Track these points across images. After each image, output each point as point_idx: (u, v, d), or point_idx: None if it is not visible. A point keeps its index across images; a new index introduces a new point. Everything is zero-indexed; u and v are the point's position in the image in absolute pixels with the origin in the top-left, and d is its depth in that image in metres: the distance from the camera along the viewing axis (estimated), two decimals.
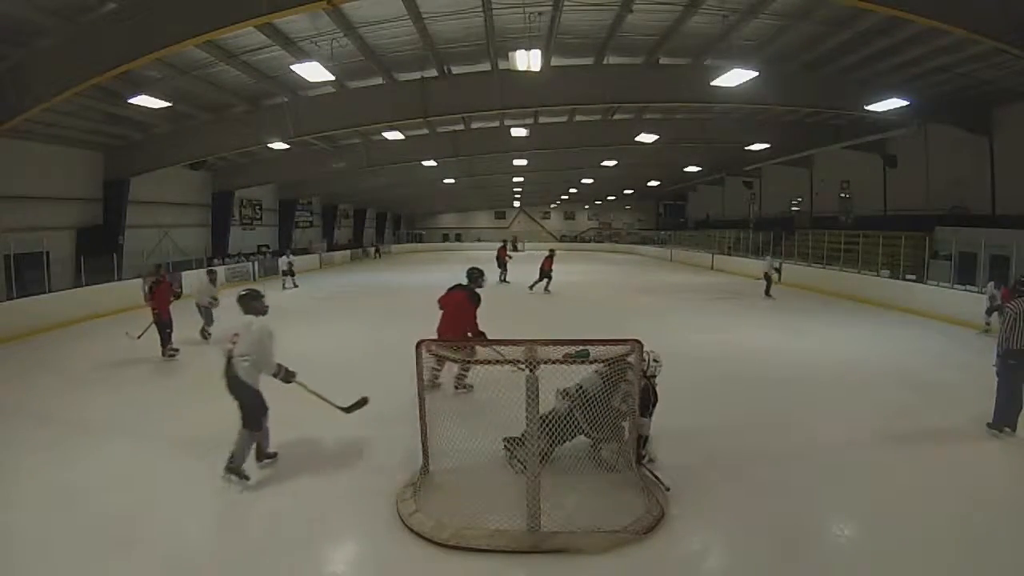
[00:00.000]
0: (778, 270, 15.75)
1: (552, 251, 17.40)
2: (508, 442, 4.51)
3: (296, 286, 18.06)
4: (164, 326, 8.56)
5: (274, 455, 4.75)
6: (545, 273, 16.15)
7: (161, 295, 8.62)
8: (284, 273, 18.52)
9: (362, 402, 5.06)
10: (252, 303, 4.63)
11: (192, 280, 15.76)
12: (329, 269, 27.08)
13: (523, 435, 3.91)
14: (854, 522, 3.82)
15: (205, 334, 9.71)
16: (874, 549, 3.46)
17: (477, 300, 6.49)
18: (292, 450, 5.00)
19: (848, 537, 3.70)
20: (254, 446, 4.52)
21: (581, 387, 4.31)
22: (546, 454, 4.01)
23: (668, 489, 4.08)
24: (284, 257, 19.32)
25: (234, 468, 4.28)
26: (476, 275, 6.63)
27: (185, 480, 4.42)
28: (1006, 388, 5.04)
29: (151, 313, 8.70)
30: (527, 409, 3.56)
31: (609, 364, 4.14)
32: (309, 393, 4.76)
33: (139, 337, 8.94)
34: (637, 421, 4.15)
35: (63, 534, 3.64)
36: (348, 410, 5.00)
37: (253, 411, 4.44)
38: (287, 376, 4.65)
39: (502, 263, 19.15)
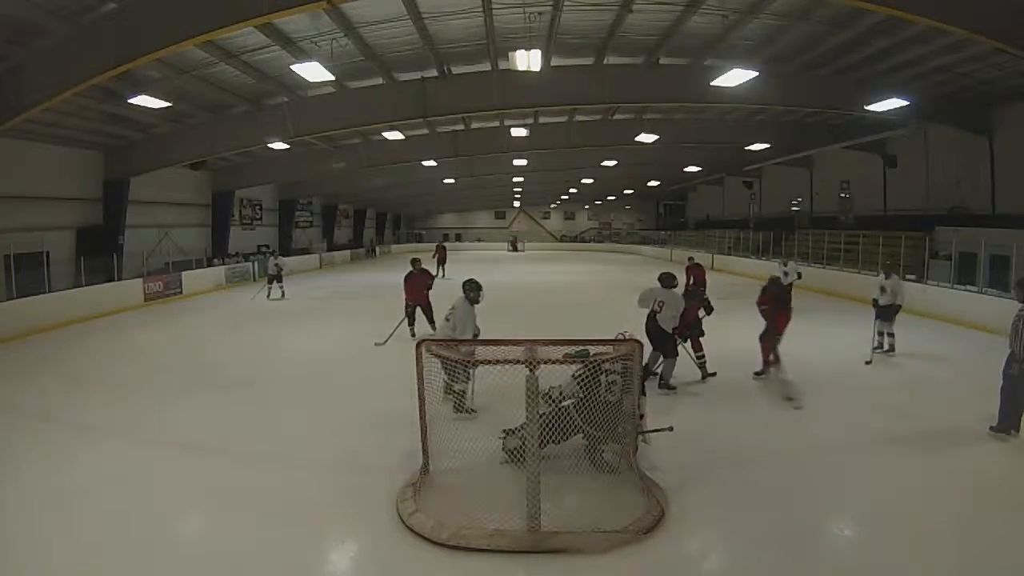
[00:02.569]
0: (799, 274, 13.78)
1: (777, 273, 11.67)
2: (505, 433, 4.53)
3: (283, 296, 15.54)
4: (425, 310, 9.50)
5: (673, 387, 6.58)
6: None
7: (412, 287, 9.53)
8: (271, 279, 15.70)
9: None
10: (672, 282, 6.75)
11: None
12: (329, 269, 27.10)
13: (519, 427, 4.11)
14: (854, 522, 3.82)
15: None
16: (874, 549, 3.45)
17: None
18: (292, 450, 5.01)
19: (848, 537, 3.71)
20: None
21: (561, 390, 4.33)
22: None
23: (671, 429, 4.38)
24: (271, 259, 16.44)
25: (664, 384, 6.55)
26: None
27: (182, 480, 4.42)
28: (1015, 391, 4.94)
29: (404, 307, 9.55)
30: (527, 409, 3.57)
31: (585, 365, 4.13)
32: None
33: (384, 343, 9.09)
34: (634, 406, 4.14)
35: (59, 534, 3.64)
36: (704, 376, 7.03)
37: (672, 348, 6.58)
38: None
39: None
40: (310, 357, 8.76)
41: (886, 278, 8.63)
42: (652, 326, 6.54)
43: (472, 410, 5.63)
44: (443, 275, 19.33)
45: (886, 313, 8.59)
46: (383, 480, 4.22)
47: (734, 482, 4.30)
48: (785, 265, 13.98)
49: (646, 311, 6.65)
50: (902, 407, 6.05)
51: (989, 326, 9.84)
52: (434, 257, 21.45)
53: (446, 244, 25.05)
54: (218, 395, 6.70)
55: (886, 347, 8.67)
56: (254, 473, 4.54)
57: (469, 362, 4.71)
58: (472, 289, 5.98)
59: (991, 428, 5.09)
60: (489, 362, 3.96)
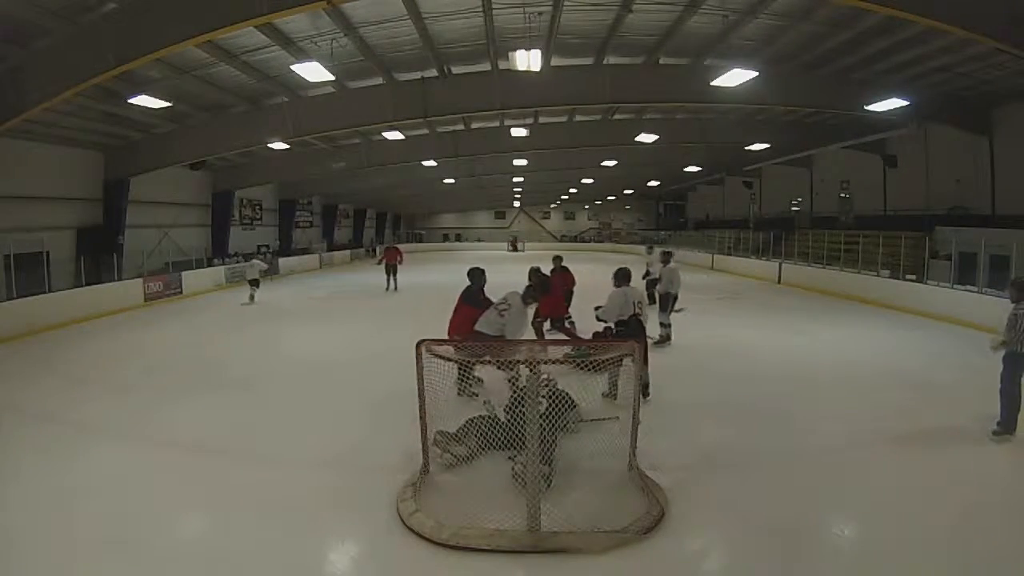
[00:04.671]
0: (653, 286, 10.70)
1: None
2: (441, 435, 4.53)
3: (252, 300, 14.57)
4: None
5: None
6: None
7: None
8: (253, 282, 14.89)
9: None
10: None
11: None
12: (329, 269, 27.09)
13: (456, 432, 4.48)
14: (854, 522, 3.82)
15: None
16: (874, 549, 3.46)
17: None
18: (292, 450, 5.01)
19: (848, 537, 3.70)
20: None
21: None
22: (474, 455, 4.27)
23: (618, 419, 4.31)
24: (257, 260, 15.66)
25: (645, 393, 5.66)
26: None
27: (182, 481, 4.42)
28: (1014, 392, 4.89)
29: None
30: (527, 409, 3.57)
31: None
32: None
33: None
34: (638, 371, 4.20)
35: (59, 534, 3.64)
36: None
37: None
38: None
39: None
40: (310, 357, 8.76)
41: (664, 265, 8.66)
42: (636, 328, 5.87)
43: (474, 393, 5.72)
44: (394, 287, 17.02)
45: (662, 302, 8.71)
46: (383, 480, 4.22)
47: (734, 482, 4.30)
48: (650, 252, 12.04)
49: (623, 317, 5.94)
50: (902, 407, 6.05)
51: (989, 326, 9.84)
52: (379, 263, 17.80)
53: (400, 246, 19.66)
54: (218, 395, 6.70)
55: (658, 337, 8.69)
56: (254, 473, 4.53)
57: (472, 362, 4.73)
58: (531, 293, 5.90)
59: (993, 432, 5.02)
60: (489, 362, 3.97)
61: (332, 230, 32.00)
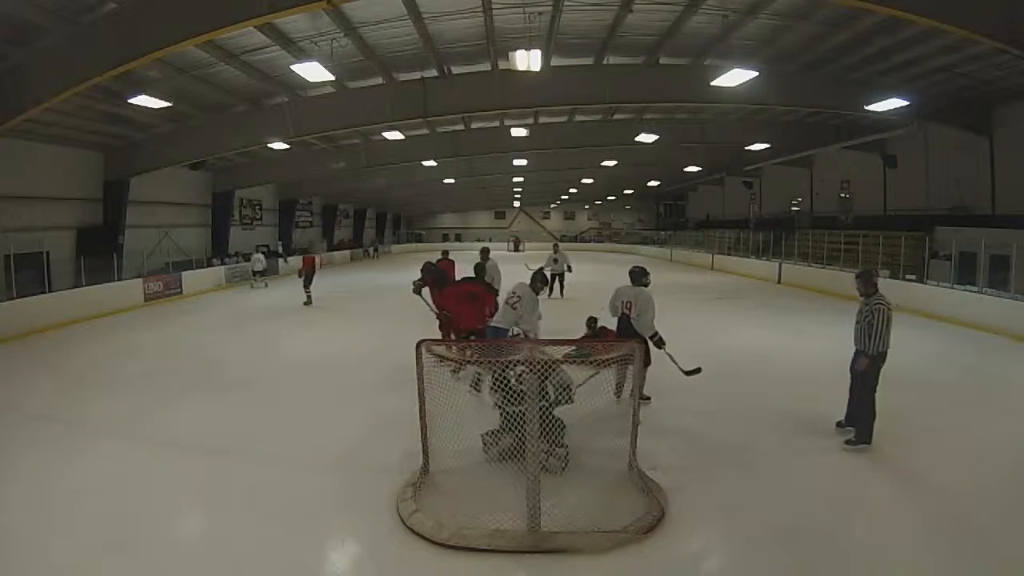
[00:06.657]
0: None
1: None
2: (487, 436, 4.55)
3: (253, 287, 18.22)
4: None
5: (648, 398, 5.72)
6: None
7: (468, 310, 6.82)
8: (255, 273, 18.62)
9: (697, 370, 5.88)
10: (643, 279, 5.87)
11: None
12: (329, 269, 27.09)
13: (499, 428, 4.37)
14: (854, 522, 3.82)
15: None
16: (873, 548, 3.46)
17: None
18: (292, 450, 5.01)
19: (847, 536, 3.70)
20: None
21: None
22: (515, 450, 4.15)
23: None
24: (257, 255, 19.22)
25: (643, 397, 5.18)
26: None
27: (182, 481, 4.43)
28: (873, 393, 4.80)
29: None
30: (527, 409, 3.57)
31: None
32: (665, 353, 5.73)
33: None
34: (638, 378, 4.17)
35: (59, 534, 3.64)
36: (688, 374, 5.84)
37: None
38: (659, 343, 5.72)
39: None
40: (310, 357, 8.76)
41: (485, 261, 8.43)
42: (624, 329, 5.78)
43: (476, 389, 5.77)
44: (308, 299, 14.17)
45: None
46: (383, 480, 4.22)
47: (734, 482, 4.30)
48: (556, 250, 11.86)
49: (617, 316, 5.91)
50: (901, 407, 6.04)
51: (989, 326, 9.86)
52: (300, 275, 14.58)
53: (316, 255, 16.76)
54: (218, 395, 6.70)
55: None
56: (254, 473, 4.54)
57: (470, 362, 4.72)
58: (539, 279, 5.96)
59: (847, 442, 4.96)
60: (490, 362, 3.97)
61: (332, 230, 32.01)
